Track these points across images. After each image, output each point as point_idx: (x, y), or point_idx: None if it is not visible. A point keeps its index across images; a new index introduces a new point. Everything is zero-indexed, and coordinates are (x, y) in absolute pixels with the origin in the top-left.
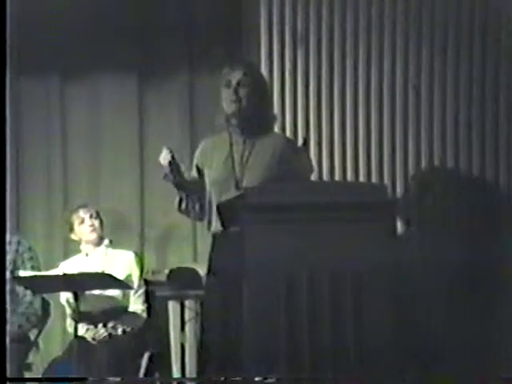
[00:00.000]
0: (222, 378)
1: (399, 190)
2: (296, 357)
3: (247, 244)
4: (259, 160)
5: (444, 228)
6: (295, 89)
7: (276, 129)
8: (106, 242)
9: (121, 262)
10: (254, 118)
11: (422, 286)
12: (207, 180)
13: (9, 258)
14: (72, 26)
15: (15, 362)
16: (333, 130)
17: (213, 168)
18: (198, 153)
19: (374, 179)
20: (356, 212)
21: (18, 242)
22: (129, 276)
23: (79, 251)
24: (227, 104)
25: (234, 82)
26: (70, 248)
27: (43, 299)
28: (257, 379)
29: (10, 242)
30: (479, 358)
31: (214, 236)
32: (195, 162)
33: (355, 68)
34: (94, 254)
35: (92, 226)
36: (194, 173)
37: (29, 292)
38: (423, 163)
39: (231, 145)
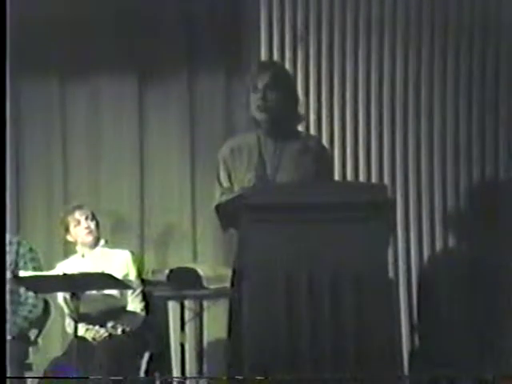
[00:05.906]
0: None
1: (399, 190)
2: (296, 356)
3: (247, 244)
4: (290, 161)
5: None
6: None
7: (301, 128)
8: (102, 242)
9: (117, 262)
10: (283, 120)
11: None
12: (237, 181)
13: (9, 258)
14: (72, 26)
15: (15, 361)
16: (333, 129)
17: (243, 170)
18: (226, 154)
19: (373, 179)
20: (355, 212)
21: (19, 243)
22: (126, 275)
23: (76, 252)
24: (255, 109)
25: (260, 86)
26: (70, 248)
27: (45, 300)
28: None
29: (11, 243)
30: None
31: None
32: (225, 165)
33: (355, 68)
34: (90, 255)
35: (88, 228)
36: (226, 178)
37: (31, 294)
38: (423, 163)
39: (260, 146)
